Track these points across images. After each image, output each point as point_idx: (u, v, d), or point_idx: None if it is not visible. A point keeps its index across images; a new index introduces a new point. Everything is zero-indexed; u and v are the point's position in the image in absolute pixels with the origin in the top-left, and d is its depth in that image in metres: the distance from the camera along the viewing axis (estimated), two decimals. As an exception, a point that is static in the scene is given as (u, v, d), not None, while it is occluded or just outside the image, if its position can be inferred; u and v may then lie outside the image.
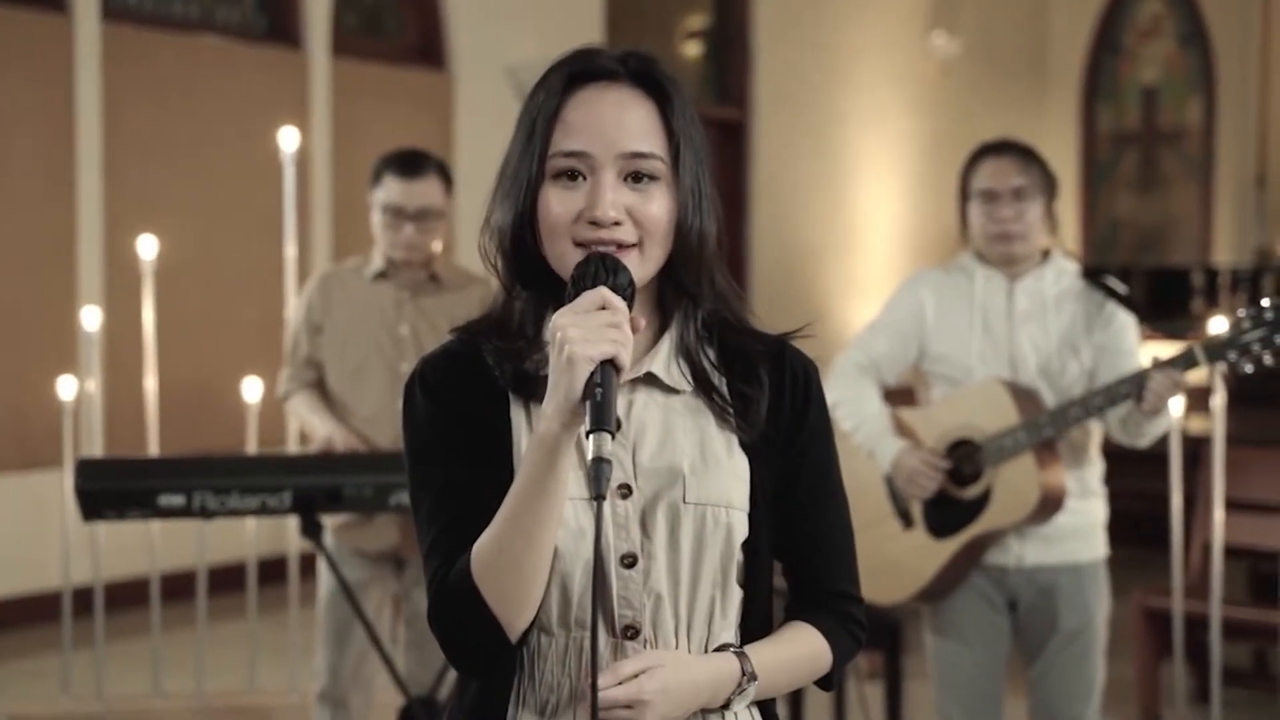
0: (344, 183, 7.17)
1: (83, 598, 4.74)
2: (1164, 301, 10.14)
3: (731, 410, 1.64)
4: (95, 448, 4.71)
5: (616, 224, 1.58)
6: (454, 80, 7.83)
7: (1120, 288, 3.34)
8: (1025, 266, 3.37)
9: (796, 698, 4.14)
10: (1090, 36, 11.47)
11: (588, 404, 1.45)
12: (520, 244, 1.62)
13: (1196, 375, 3.30)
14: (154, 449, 4.48)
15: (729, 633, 1.65)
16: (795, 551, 1.69)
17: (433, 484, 1.62)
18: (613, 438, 1.45)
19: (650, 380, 1.65)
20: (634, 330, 1.51)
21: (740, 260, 9.55)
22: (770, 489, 1.66)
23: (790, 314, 9.08)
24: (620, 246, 1.58)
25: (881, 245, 10.31)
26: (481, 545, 1.54)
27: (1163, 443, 3.79)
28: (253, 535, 4.39)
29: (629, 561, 1.60)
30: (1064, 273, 3.38)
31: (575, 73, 1.61)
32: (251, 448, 4.44)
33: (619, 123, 1.59)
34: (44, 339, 6.25)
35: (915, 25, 10.47)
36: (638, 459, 1.62)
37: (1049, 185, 3.36)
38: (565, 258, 1.59)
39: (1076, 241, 11.33)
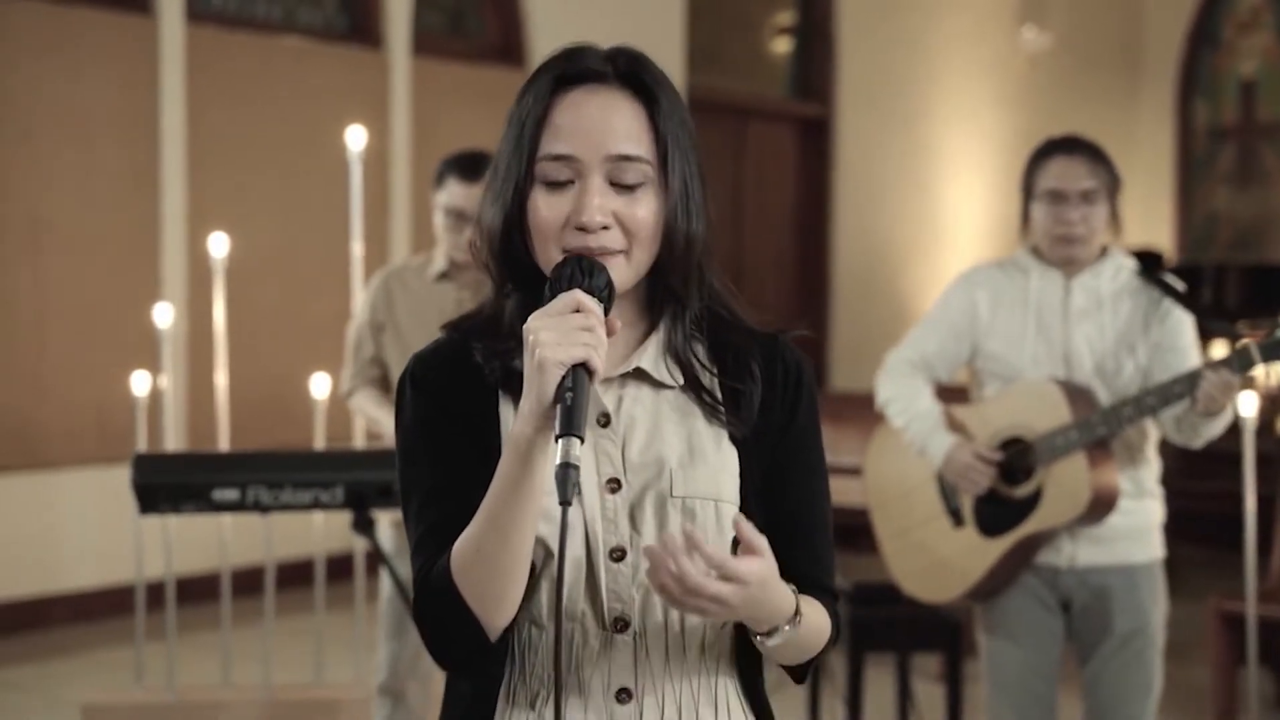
0: (423, 182, 7.21)
1: (155, 591, 4.81)
2: (1262, 299, 9.92)
3: (721, 408, 1.63)
4: (172, 443, 4.78)
5: (604, 228, 1.57)
6: (534, 79, 7.85)
7: (1178, 284, 3.27)
8: (1083, 264, 3.31)
9: (855, 696, 4.10)
10: (1186, 29, 11.25)
11: (558, 408, 1.44)
12: (509, 245, 1.61)
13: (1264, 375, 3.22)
14: (224, 445, 4.53)
15: (727, 626, 1.64)
16: (779, 546, 1.67)
17: (421, 482, 1.62)
18: (582, 442, 1.43)
19: (639, 375, 1.64)
20: (610, 333, 1.50)
21: (823, 258, 9.49)
22: (758, 483, 1.65)
23: (874, 312, 9.00)
24: (606, 253, 1.57)
25: (968, 243, 10.19)
26: (460, 545, 1.54)
27: (1239, 441, 3.71)
28: (321, 532, 4.43)
29: (618, 555, 1.59)
30: (1121, 269, 3.31)
31: (563, 75, 1.60)
32: (319, 444, 4.48)
33: (606, 125, 1.58)
34: (127, 335, 6.36)
35: (1004, 18, 10.34)
36: (627, 453, 1.61)
37: (1115, 185, 3.29)
38: (553, 263, 1.58)
39: (1172, 238, 11.12)
